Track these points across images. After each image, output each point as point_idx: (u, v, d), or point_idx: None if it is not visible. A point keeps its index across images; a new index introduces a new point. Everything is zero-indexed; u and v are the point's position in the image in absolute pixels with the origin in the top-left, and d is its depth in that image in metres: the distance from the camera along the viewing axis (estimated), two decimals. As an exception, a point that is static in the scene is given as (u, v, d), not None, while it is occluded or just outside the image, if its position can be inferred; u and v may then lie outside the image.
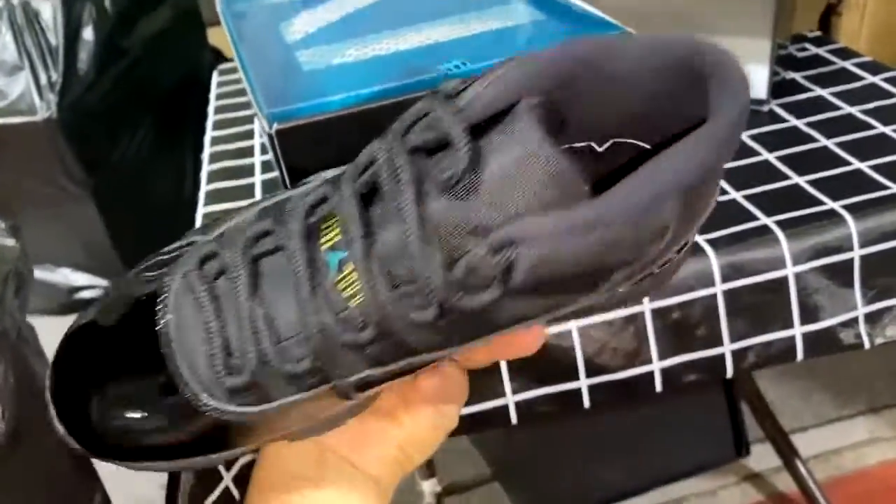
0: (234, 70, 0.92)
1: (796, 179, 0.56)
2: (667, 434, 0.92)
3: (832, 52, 0.74)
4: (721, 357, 0.52)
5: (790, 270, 0.51)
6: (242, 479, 0.47)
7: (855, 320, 0.53)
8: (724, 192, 0.56)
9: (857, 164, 0.57)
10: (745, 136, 0.62)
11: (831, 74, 0.70)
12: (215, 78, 0.92)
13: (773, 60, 0.65)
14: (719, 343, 0.52)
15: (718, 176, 0.29)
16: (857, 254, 0.52)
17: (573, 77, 0.28)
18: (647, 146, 0.31)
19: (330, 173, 0.36)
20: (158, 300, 0.32)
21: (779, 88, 0.67)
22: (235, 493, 0.47)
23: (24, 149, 1.32)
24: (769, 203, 0.54)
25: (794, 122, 0.64)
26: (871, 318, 0.53)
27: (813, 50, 0.75)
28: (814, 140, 0.61)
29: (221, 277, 0.31)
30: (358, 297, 0.28)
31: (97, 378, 0.33)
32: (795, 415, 1.12)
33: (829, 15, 1.19)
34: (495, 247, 0.26)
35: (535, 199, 0.26)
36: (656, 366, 0.51)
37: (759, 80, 0.66)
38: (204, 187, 0.69)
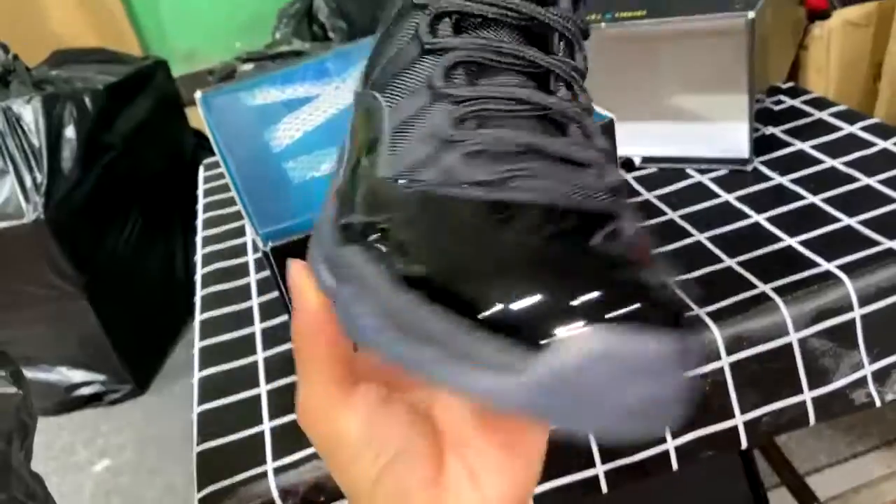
0: (219, 164, 0.93)
1: (788, 241, 0.57)
2: (682, 491, 0.91)
3: (807, 102, 0.75)
4: (734, 430, 0.52)
5: (793, 337, 0.51)
6: None
7: (864, 380, 0.53)
8: (718, 259, 0.56)
9: (846, 220, 0.57)
10: (732, 199, 0.63)
11: (809, 126, 0.71)
12: (201, 173, 0.93)
13: (753, 116, 0.66)
14: (731, 416, 0.51)
15: None
16: (857, 314, 0.52)
17: None
18: None
19: None
20: None
21: (760, 145, 0.68)
22: None
23: (13, 252, 1.32)
24: (764, 269, 0.54)
25: (778, 179, 0.64)
26: (879, 377, 0.53)
27: (788, 102, 0.76)
28: (801, 198, 0.61)
29: None
30: None
31: None
32: (810, 455, 1.11)
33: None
34: None
35: None
36: (670, 444, 0.51)
37: (740, 138, 0.67)
38: (199, 292, 0.69)
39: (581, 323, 0.21)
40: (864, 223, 0.57)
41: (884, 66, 1.48)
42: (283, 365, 0.57)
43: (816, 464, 1.11)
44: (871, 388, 0.53)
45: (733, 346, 0.50)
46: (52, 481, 1.08)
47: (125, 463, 1.43)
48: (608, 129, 0.51)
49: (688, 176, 0.68)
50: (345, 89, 0.63)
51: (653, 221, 0.63)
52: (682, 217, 0.62)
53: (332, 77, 0.66)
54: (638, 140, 0.71)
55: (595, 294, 0.22)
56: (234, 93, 0.68)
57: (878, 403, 0.53)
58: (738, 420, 0.51)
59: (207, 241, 0.76)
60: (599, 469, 0.50)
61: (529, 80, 0.28)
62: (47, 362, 1.47)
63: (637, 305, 0.22)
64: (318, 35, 2.01)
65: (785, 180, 0.64)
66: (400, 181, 0.27)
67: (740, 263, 0.56)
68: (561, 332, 0.21)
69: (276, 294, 0.65)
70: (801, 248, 0.56)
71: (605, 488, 0.51)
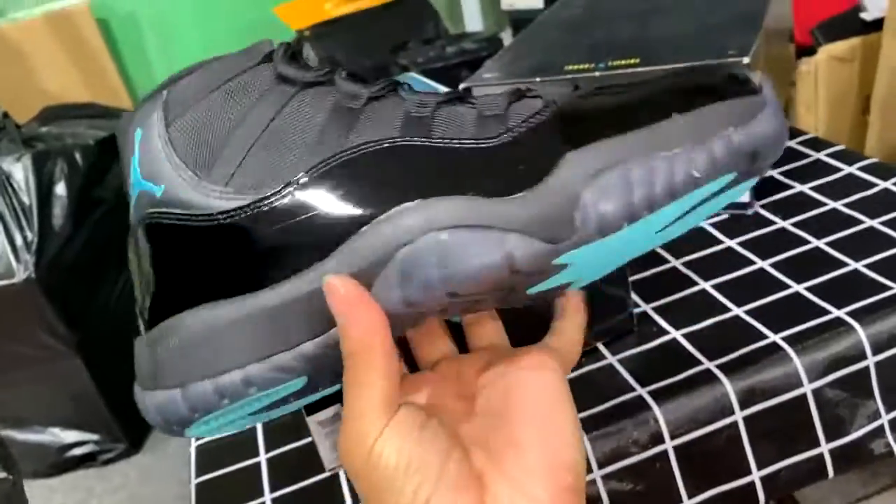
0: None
1: (796, 287, 0.56)
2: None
3: (803, 143, 0.75)
4: (751, 485, 0.50)
5: (807, 388, 0.50)
6: None
7: (881, 429, 0.51)
8: (726, 308, 0.55)
9: (852, 264, 0.57)
10: (735, 244, 0.62)
11: (808, 167, 0.70)
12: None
13: (749, 160, 0.66)
14: (747, 472, 0.50)
15: None
16: (871, 361, 0.51)
17: None
18: None
19: None
20: None
21: (759, 188, 0.68)
22: None
23: (3, 312, 1.30)
24: (774, 317, 0.53)
25: (780, 223, 0.63)
26: (897, 426, 0.51)
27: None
28: (805, 242, 0.60)
29: None
30: None
31: None
32: (823, 498, 1.09)
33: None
34: None
35: None
36: (686, 504, 0.49)
37: (738, 181, 0.66)
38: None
39: None
40: (871, 267, 0.56)
41: (872, 98, 1.49)
42: (282, 432, 0.55)
43: (829, 505, 1.09)
44: (890, 437, 0.51)
45: (747, 399, 0.49)
46: (45, 549, 1.05)
47: (120, 525, 1.40)
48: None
49: (688, 221, 0.67)
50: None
51: (656, 270, 0.61)
52: (685, 264, 0.61)
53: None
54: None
55: None
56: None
57: (896, 453, 0.52)
58: (755, 476, 0.50)
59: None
60: (614, 532, 0.48)
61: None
62: (39, 423, 1.44)
63: None
64: (308, 83, 2.02)
65: (787, 224, 0.63)
66: None
67: (748, 312, 0.54)
68: None
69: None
70: (808, 295, 0.55)
71: (620, 552, 0.49)
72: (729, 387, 0.49)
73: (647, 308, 0.57)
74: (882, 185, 0.65)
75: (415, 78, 0.75)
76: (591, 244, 0.29)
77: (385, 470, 0.28)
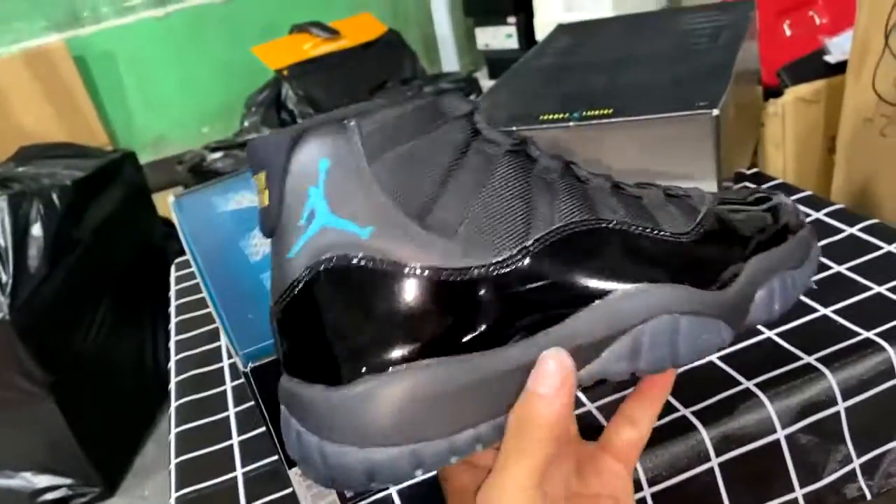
0: (190, 263, 0.92)
1: (767, 334, 0.57)
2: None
3: (773, 189, 0.77)
4: (728, 531, 0.51)
5: (781, 434, 0.51)
6: None
7: (853, 473, 0.52)
8: (700, 355, 0.56)
9: (822, 310, 0.58)
10: (708, 289, 0.64)
11: (777, 213, 0.72)
12: (173, 273, 0.92)
13: (720, 206, 0.67)
14: (724, 517, 0.50)
15: None
16: (841, 407, 0.52)
17: None
18: None
19: None
20: None
21: (730, 233, 0.69)
22: None
23: (-23, 355, 1.28)
24: (747, 364, 0.54)
25: (752, 268, 0.65)
26: (868, 469, 0.53)
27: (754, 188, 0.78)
28: (775, 287, 0.62)
29: None
30: None
31: None
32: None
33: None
34: None
35: None
36: (665, 551, 0.50)
37: (710, 227, 0.68)
38: (174, 402, 0.67)
39: None
40: (839, 312, 0.57)
41: (837, 140, 1.53)
42: (263, 481, 0.55)
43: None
44: (862, 481, 0.53)
45: (722, 446, 0.50)
46: None
47: (93, 572, 1.37)
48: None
49: (663, 266, 0.68)
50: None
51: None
52: (660, 310, 0.62)
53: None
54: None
55: None
56: (207, 197, 0.68)
57: (868, 497, 0.53)
58: (732, 521, 0.51)
59: (180, 346, 0.75)
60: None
61: None
62: (10, 468, 1.41)
63: None
64: (286, 122, 2.04)
65: (758, 269, 0.65)
66: None
67: (721, 358, 0.56)
68: None
69: (252, 403, 0.63)
70: (780, 341, 0.56)
71: None
72: (704, 433, 0.50)
73: (623, 354, 0.58)
74: (848, 230, 0.67)
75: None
76: None
77: None
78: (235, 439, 0.60)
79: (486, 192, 0.31)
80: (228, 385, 0.67)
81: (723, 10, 0.85)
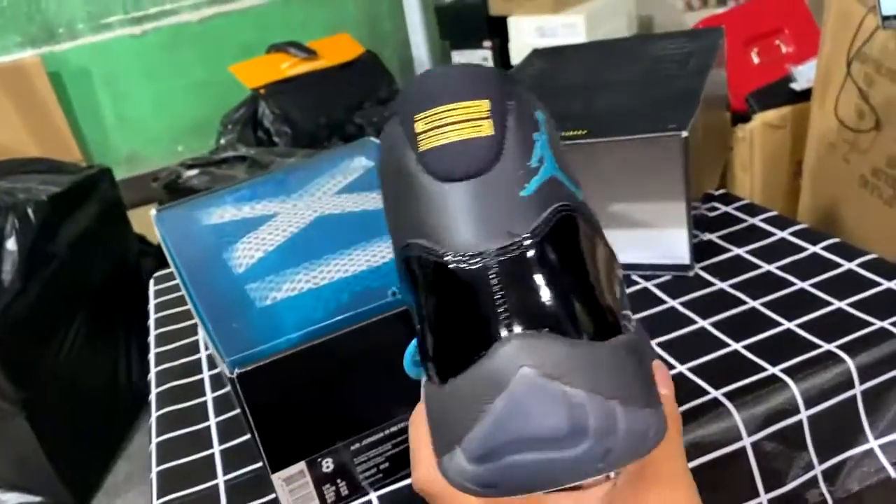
0: (170, 277, 0.92)
1: (734, 346, 0.59)
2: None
3: (739, 209, 0.80)
4: (697, 535, 0.52)
5: (746, 441, 0.53)
6: None
7: (815, 480, 0.55)
8: (669, 366, 0.59)
9: (786, 323, 0.61)
10: (677, 304, 0.66)
11: (744, 232, 0.75)
12: (152, 286, 0.92)
13: (691, 224, 0.70)
14: (693, 522, 0.52)
15: None
16: (804, 415, 0.54)
17: None
18: None
19: None
20: None
21: (699, 251, 0.72)
22: None
23: (-53, 370, 1.27)
24: (714, 374, 0.57)
25: (719, 284, 0.68)
26: (829, 476, 0.55)
27: (722, 208, 0.81)
28: (742, 302, 0.64)
29: None
30: None
31: None
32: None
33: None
34: None
35: None
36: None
37: (680, 244, 0.71)
38: (154, 413, 0.67)
39: None
40: (802, 326, 0.60)
41: (803, 164, 1.58)
42: (245, 488, 0.56)
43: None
44: (823, 487, 0.55)
45: (691, 452, 0.52)
46: None
47: (61, 591, 1.35)
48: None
49: (633, 282, 0.71)
50: (303, 207, 0.64)
51: (605, 329, 0.65)
52: (632, 324, 0.65)
53: (290, 195, 0.68)
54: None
55: None
56: (189, 211, 0.69)
57: (830, 502, 0.55)
58: (700, 526, 0.52)
59: (161, 358, 0.76)
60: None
61: None
62: (-22, 485, 1.39)
63: None
64: (263, 140, 2.05)
65: (726, 286, 0.67)
66: None
67: (690, 369, 0.58)
68: None
69: (233, 413, 0.64)
70: (746, 353, 0.58)
71: None
72: (674, 441, 0.52)
73: (597, 365, 0.60)
74: (811, 249, 0.70)
75: (372, 142, 0.78)
76: None
77: None
78: (217, 448, 0.61)
79: None
80: (209, 396, 0.68)
81: (692, 37, 0.88)
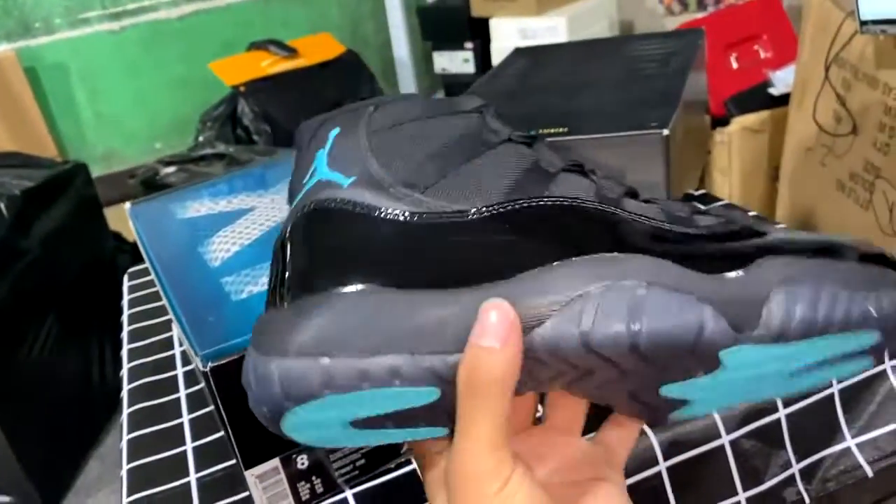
0: (144, 273, 0.91)
1: (713, 344, 0.59)
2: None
3: (720, 208, 0.80)
4: (675, 534, 0.52)
5: (725, 439, 0.53)
6: None
7: (792, 478, 0.55)
8: (649, 364, 0.58)
9: (764, 322, 0.61)
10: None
11: (723, 232, 0.75)
12: (125, 282, 0.91)
13: (669, 224, 0.70)
14: (671, 520, 0.52)
15: None
16: (782, 414, 0.54)
17: None
18: None
19: None
20: None
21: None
22: None
23: (-86, 367, 1.24)
24: (693, 372, 0.56)
25: (699, 283, 0.67)
26: (806, 475, 0.55)
27: (702, 209, 0.80)
28: (721, 301, 0.64)
29: None
30: None
31: None
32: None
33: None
34: None
35: None
36: (614, 553, 0.51)
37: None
38: (126, 409, 0.66)
39: None
40: (781, 325, 0.60)
41: (781, 169, 1.59)
42: (217, 486, 0.55)
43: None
44: (800, 485, 0.55)
45: (670, 450, 0.52)
46: None
47: (30, 593, 1.33)
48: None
49: (614, 281, 0.70)
50: (281, 201, 0.63)
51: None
52: (611, 322, 0.64)
53: (267, 189, 0.67)
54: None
55: None
56: (164, 205, 0.68)
57: (807, 501, 0.55)
58: (678, 524, 0.52)
59: (133, 354, 0.74)
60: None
61: None
62: (-55, 485, 1.36)
63: None
64: (242, 138, 2.03)
65: (705, 284, 0.67)
66: None
67: (670, 367, 0.58)
68: None
69: (207, 410, 0.63)
70: (725, 351, 0.58)
71: None
72: (654, 439, 0.52)
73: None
74: (789, 249, 0.70)
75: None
76: (739, 367, 0.30)
77: None
78: (189, 445, 0.59)
79: (471, 166, 0.33)
80: (182, 393, 0.67)
81: (673, 37, 0.89)
